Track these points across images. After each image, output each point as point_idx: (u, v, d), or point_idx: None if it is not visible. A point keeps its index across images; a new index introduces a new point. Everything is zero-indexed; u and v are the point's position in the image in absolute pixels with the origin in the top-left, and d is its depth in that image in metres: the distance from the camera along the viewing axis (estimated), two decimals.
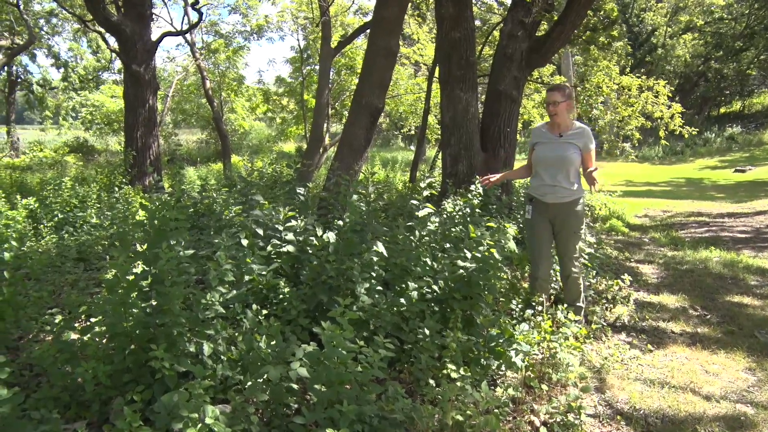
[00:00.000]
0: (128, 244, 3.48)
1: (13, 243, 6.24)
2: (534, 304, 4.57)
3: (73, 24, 26.84)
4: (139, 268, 3.55)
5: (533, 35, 9.34)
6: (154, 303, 3.31)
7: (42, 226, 7.65)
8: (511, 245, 5.29)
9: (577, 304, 4.91)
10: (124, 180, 10.55)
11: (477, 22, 14.86)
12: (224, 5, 50.75)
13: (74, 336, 3.52)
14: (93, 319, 3.67)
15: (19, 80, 30.58)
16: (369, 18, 17.91)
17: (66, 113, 33.50)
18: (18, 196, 8.68)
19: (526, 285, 5.24)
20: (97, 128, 27.53)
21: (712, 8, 31.83)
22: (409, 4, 14.33)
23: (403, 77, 20.53)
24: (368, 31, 11.08)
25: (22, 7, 21.16)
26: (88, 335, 3.36)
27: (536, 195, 4.85)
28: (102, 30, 17.09)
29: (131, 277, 3.30)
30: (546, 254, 4.88)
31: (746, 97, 36.65)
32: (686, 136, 12.90)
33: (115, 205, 8.23)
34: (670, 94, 13.22)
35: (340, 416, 2.68)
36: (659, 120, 13.07)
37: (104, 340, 3.33)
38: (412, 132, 24.31)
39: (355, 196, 4.75)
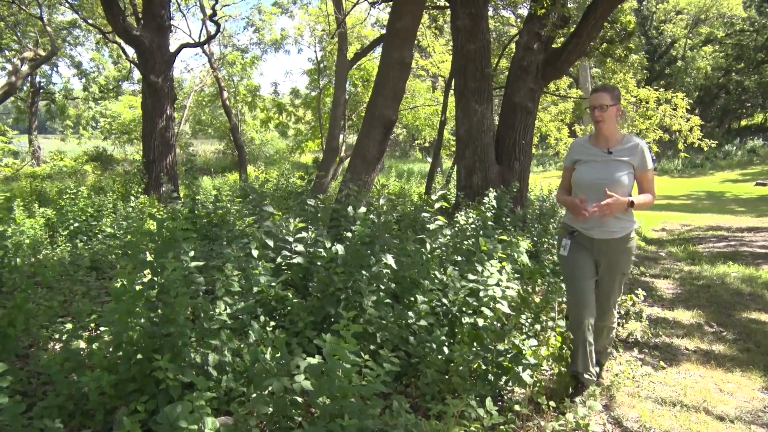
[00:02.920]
0: (136, 254, 3.48)
1: (27, 250, 6.32)
2: (544, 319, 4.50)
3: (96, 34, 27.25)
4: (147, 277, 3.56)
5: (549, 47, 9.32)
6: (160, 313, 3.32)
7: (58, 234, 7.73)
8: (524, 258, 5.25)
9: (608, 351, 4.33)
10: (139, 189, 10.65)
11: (493, 35, 14.84)
12: (242, 17, 51.33)
13: (83, 345, 3.53)
14: (102, 328, 3.69)
15: (41, 90, 31.06)
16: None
17: (87, 123, 33.99)
18: (36, 205, 8.80)
19: (537, 299, 5.18)
20: (115, 138, 27.92)
21: (734, 20, 31.54)
22: (426, 17, 14.41)
23: (421, 90, 20.56)
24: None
25: (45, 19, 21.53)
26: (96, 344, 3.37)
27: (580, 227, 3.86)
28: (121, 41, 17.32)
29: (138, 287, 3.31)
30: (591, 299, 3.88)
31: None
32: (705, 148, 12.77)
33: (131, 214, 8.30)
34: (688, 107, 13.11)
35: (342, 430, 2.65)
36: (678, 133, 12.95)
37: (110, 349, 3.34)
38: (427, 144, 24.32)
39: (363, 208, 4.73)
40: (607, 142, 3.77)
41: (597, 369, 4.14)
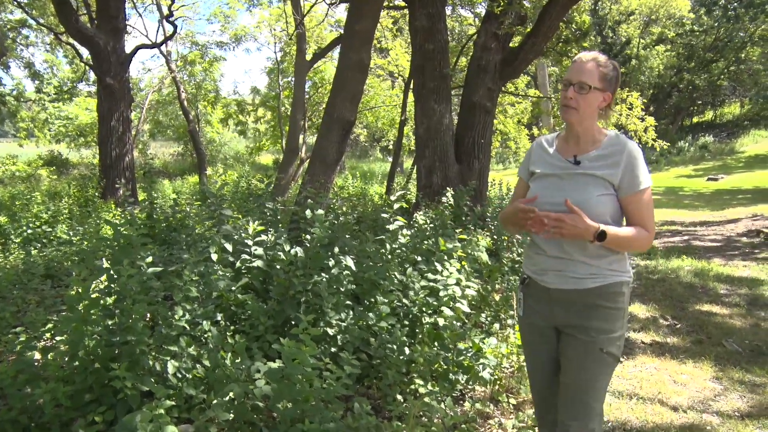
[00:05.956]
0: (92, 260, 3.42)
1: None
2: (503, 317, 4.56)
3: (48, 35, 26.53)
4: (103, 284, 3.50)
5: (507, 47, 9.45)
6: (117, 320, 3.27)
7: (10, 241, 7.53)
8: (483, 257, 5.32)
9: None
10: (96, 194, 10.44)
11: (451, 34, 14.98)
12: (199, 17, 50.60)
13: (38, 356, 3.45)
14: (58, 338, 3.61)
15: None
16: None
17: (42, 125, 33.11)
18: None
19: (497, 297, 5.25)
20: (70, 141, 27.28)
21: (683, 20, 32.44)
22: (385, 14, 14.45)
23: (381, 90, 20.58)
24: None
25: None
26: (51, 355, 3.30)
27: (531, 273, 2.50)
28: (75, 42, 16.94)
29: (95, 295, 3.25)
30: (549, 385, 2.54)
31: (717, 107, 37.43)
32: (658, 149, 13.09)
33: (87, 220, 8.14)
34: (643, 106, 13.42)
35: None
36: (633, 133, 13.24)
37: (66, 360, 3.27)
38: (389, 147, 24.37)
39: (320, 210, 4.73)
40: (578, 146, 2.40)
41: None
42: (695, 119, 38.22)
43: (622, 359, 4.73)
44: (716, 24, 31.71)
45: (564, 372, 2.41)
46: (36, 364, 3.30)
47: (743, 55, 31.89)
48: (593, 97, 2.29)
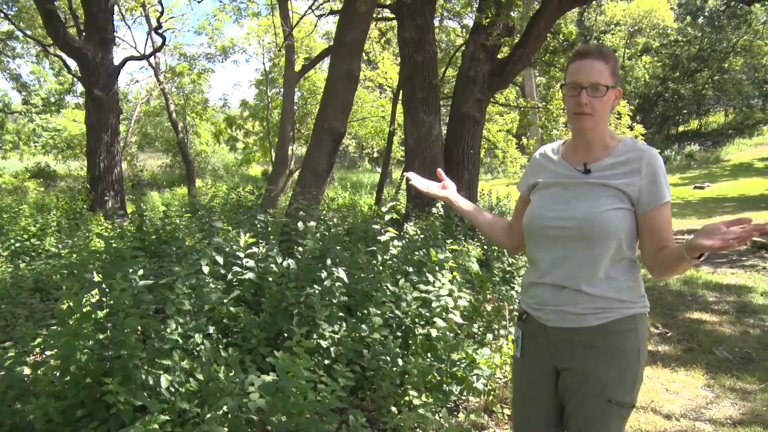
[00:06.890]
0: (81, 274, 3.40)
1: None
2: (495, 327, 4.56)
3: (36, 46, 26.41)
4: (94, 298, 3.48)
5: (495, 58, 9.52)
6: (109, 334, 3.24)
7: None
8: (474, 267, 5.33)
9: None
10: (85, 206, 10.38)
11: (440, 45, 15.07)
12: (188, 29, 50.64)
13: (27, 371, 3.42)
14: (48, 353, 3.58)
15: None
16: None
17: (28, 137, 32.89)
18: None
19: (489, 307, 5.25)
20: (58, 153, 27.16)
21: (668, 31, 32.86)
22: (373, 26, 14.52)
23: (367, 100, 20.66)
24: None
25: None
26: (41, 370, 3.27)
27: (529, 307, 2.14)
28: (63, 54, 16.88)
29: (87, 309, 3.23)
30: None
31: (702, 116, 37.87)
32: None
33: (76, 232, 8.08)
34: (630, 114, 13.55)
35: None
36: None
37: (57, 375, 3.24)
38: (376, 155, 24.42)
39: (312, 222, 4.72)
40: (587, 153, 2.05)
41: None
42: (681, 128, 38.64)
43: None
44: (700, 34, 32.16)
45: (567, 422, 2.06)
46: (26, 379, 3.27)
47: (726, 65, 32.36)
48: (608, 97, 1.96)
